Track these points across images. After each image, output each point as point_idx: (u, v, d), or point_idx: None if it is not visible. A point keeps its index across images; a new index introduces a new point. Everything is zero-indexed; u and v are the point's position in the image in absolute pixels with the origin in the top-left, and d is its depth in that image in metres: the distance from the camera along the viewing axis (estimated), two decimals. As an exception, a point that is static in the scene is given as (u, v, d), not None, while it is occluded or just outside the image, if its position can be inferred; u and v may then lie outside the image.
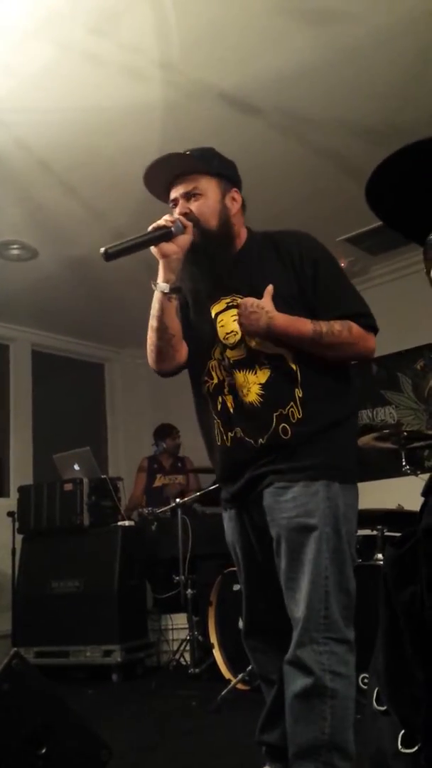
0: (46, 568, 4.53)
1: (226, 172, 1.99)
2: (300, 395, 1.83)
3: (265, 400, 1.85)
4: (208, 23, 2.85)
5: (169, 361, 1.98)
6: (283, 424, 1.83)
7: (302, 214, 4.38)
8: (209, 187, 1.94)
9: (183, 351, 2.00)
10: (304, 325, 1.82)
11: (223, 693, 3.32)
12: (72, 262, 4.85)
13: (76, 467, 4.83)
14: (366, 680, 2.92)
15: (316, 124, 3.50)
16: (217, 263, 1.94)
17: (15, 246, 4.58)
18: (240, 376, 1.89)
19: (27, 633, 4.44)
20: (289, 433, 1.82)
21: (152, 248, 1.91)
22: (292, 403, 1.83)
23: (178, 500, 4.46)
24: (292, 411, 1.83)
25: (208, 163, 1.95)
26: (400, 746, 1.01)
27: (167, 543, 4.56)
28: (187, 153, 1.96)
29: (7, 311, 5.70)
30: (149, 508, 5.00)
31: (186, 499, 4.55)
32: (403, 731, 1.02)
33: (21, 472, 5.83)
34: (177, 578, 4.29)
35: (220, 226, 1.92)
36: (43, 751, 2.06)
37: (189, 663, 4.14)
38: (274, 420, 1.84)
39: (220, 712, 3.24)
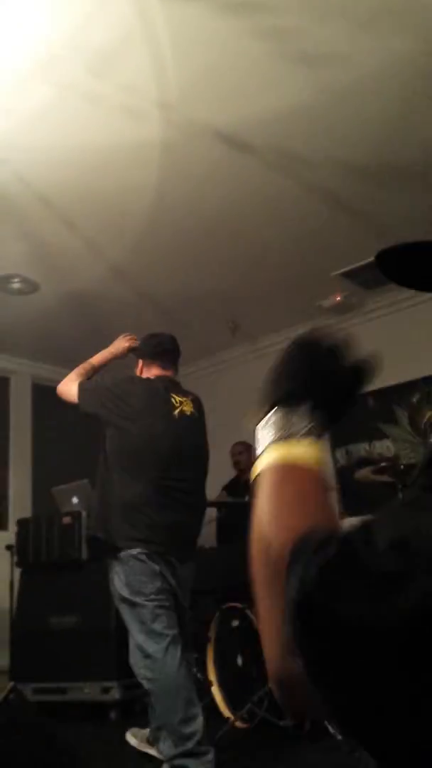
0: (44, 602, 4.49)
1: (135, 353, 3.37)
2: None
3: None
4: (205, 65, 2.93)
5: None
6: None
7: (297, 249, 4.45)
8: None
9: None
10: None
11: (221, 731, 3.27)
12: (72, 296, 4.91)
13: (75, 500, 4.82)
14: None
15: (309, 162, 3.58)
16: None
17: (16, 279, 4.64)
18: None
19: (25, 669, 4.38)
20: None
21: None
22: None
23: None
24: None
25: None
26: None
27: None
28: None
29: (8, 344, 5.75)
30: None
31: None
32: None
33: (20, 505, 5.82)
34: (175, 613, 4.25)
35: None
36: (38, 789, 2.04)
37: (188, 700, 4.07)
38: None
39: (219, 750, 3.20)
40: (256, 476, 0.66)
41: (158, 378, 3.17)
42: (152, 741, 2.92)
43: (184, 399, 3.14)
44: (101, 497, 3.09)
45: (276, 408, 0.69)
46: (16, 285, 4.70)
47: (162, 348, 3.24)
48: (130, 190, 3.71)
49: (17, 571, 4.70)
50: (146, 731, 3.12)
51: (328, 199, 3.91)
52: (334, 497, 0.63)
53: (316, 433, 0.67)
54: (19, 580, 4.68)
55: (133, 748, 3.50)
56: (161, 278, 4.76)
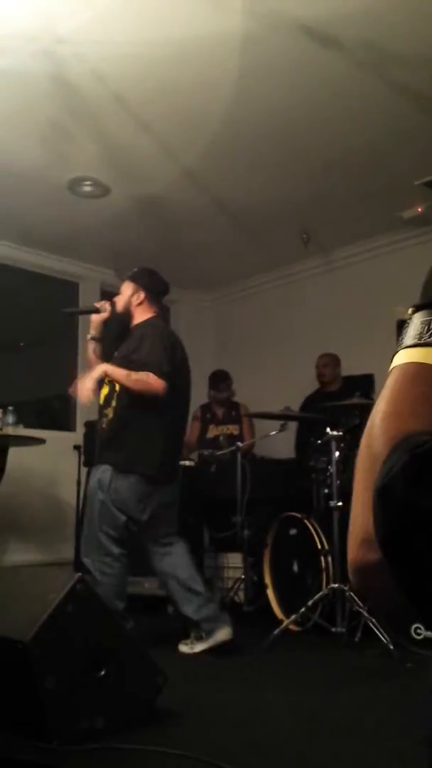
0: (108, 501, 4.66)
1: (139, 281, 3.58)
2: (114, 404, 3.35)
3: (103, 403, 3.42)
4: None
5: None
6: (103, 419, 3.42)
7: (380, 155, 4.22)
8: (126, 288, 3.59)
9: None
10: (121, 371, 3.28)
11: (275, 632, 3.39)
12: (143, 201, 4.83)
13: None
14: (419, 631, 2.93)
15: (401, 60, 3.33)
16: (114, 330, 3.63)
17: (88, 183, 4.57)
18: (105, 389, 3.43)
19: (88, 562, 4.61)
20: (105, 428, 3.40)
21: (92, 315, 3.63)
22: (109, 407, 3.38)
23: (239, 444, 4.50)
24: (107, 411, 3.38)
25: (133, 275, 3.62)
26: None
27: (225, 484, 4.62)
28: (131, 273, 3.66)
29: (78, 249, 5.74)
30: (209, 450, 5.06)
31: (245, 444, 4.60)
32: None
33: (87, 407, 5.95)
34: (234, 519, 4.36)
35: (123, 309, 3.58)
36: (102, 672, 2.16)
37: (243, 601, 4.23)
38: (104, 416, 3.42)
39: (272, 650, 3.33)
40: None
41: (159, 318, 3.64)
42: (199, 636, 3.33)
43: None
44: (124, 425, 3.34)
45: (421, 311, 0.63)
46: (87, 188, 4.63)
47: (163, 288, 3.70)
48: (208, 87, 3.55)
49: (84, 471, 4.88)
50: (191, 637, 3.37)
51: (416, 102, 3.65)
52: None
53: None
54: (86, 478, 4.85)
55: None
56: (235, 184, 4.61)
